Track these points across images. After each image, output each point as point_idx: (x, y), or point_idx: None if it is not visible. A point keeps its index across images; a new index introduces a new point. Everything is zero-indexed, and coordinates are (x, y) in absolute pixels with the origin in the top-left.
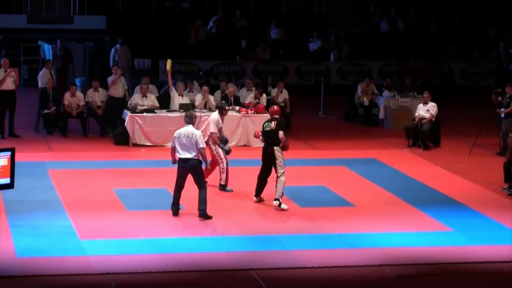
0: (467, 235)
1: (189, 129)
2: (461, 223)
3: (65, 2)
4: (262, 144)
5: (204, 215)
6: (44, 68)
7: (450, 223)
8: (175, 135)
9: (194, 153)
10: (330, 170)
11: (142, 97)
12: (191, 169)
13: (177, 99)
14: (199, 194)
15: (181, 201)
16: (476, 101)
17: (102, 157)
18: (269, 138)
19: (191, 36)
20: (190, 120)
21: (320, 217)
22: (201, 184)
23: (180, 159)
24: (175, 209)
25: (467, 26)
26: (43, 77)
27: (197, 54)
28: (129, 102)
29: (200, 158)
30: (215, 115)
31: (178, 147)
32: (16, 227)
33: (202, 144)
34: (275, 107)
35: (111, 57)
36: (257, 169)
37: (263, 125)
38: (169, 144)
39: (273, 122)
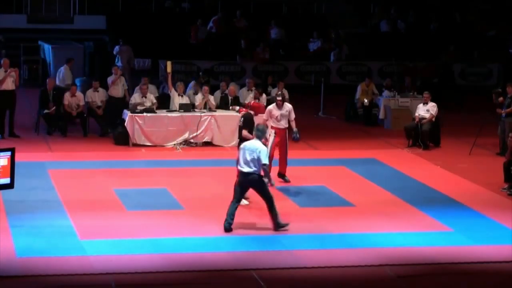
0: (467, 235)
1: (256, 143)
2: (461, 223)
3: (65, 2)
4: None
5: (280, 226)
6: (66, 65)
7: (450, 223)
8: (241, 146)
9: (255, 168)
10: (330, 170)
11: (142, 97)
12: (252, 184)
13: (177, 99)
14: (268, 205)
15: (181, 201)
16: (476, 101)
17: (102, 157)
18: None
19: (191, 36)
20: (262, 134)
21: (320, 217)
22: (268, 197)
23: (241, 172)
24: (228, 224)
25: (467, 26)
26: (67, 76)
27: (197, 54)
28: (130, 102)
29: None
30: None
31: (241, 160)
32: (16, 227)
33: (264, 160)
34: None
35: (116, 56)
36: None
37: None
38: (169, 144)
39: (241, 119)
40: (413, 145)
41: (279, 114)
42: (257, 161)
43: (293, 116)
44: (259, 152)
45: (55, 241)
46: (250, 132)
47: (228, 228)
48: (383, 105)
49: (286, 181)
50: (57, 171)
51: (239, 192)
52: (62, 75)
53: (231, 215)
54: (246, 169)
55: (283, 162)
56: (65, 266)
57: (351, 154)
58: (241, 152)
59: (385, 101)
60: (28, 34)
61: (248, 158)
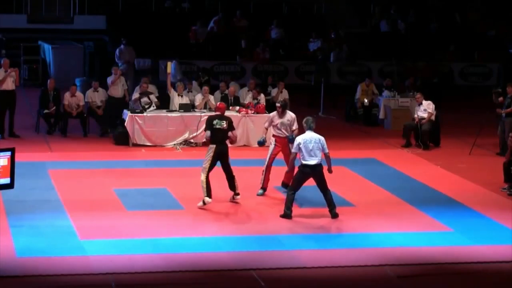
0: (467, 235)
1: (313, 134)
2: (461, 223)
3: (65, 2)
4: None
5: (336, 214)
6: (174, 61)
7: (450, 223)
8: (299, 141)
9: (320, 158)
10: None
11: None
12: (319, 175)
13: (176, 99)
14: (327, 197)
15: (180, 201)
16: (476, 101)
17: (102, 157)
18: (223, 137)
19: (190, 36)
20: (314, 125)
21: (320, 217)
22: (326, 188)
23: (307, 165)
24: (290, 211)
25: (467, 26)
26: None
27: (197, 54)
28: (131, 99)
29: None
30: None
31: (305, 153)
32: (16, 227)
33: (327, 149)
34: (220, 104)
35: (116, 57)
36: (257, 169)
37: (213, 121)
38: (169, 144)
39: (225, 121)
40: (407, 145)
41: (279, 122)
42: (320, 150)
43: (295, 126)
44: (322, 141)
45: (55, 241)
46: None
47: (290, 215)
48: (383, 105)
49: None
50: (57, 171)
51: (301, 183)
52: (173, 70)
53: (291, 203)
54: (312, 161)
55: (289, 171)
56: (65, 266)
57: (351, 154)
58: (303, 146)
59: (385, 101)
60: (28, 34)
61: (313, 149)
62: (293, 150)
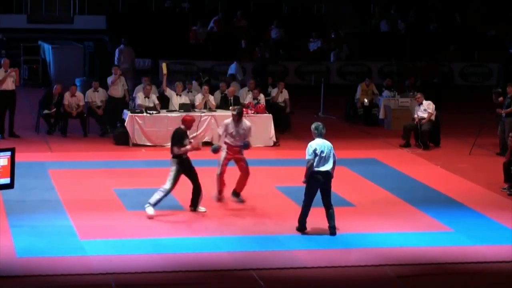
0: (467, 235)
1: (325, 141)
2: (461, 223)
3: (65, 2)
4: (261, 144)
5: (335, 231)
6: (236, 62)
7: (450, 223)
8: (314, 147)
9: (331, 166)
10: None
11: (145, 97)
12: (329, 183)
13: (175, 99)
14: (330, 211)
15: (180, 202)
16: (476, 101)
17: (102, 157)
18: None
19: (190, 36)
20: (322, 131)
21: (320, 217)
22: (331, 201)
23: (319, 172)
24: (304, 227)
25: (467, 26)
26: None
27: (197, 54)
28: (133, 101)
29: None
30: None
31: (318, 160)
32: (16, 227)
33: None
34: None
35: (116, 57)
36: (257, 169)
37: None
38: (169, 144)
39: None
40: (407, 146)
41: (235, 130)
42: (331, 158)
43: (249, 136)
44: (332, 148)
45: (55, 241)
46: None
47: (304, 228)
48: (383, 105)
49: (240, 201)
50: (57, 171)
51: (315, 192)
52: (234, 70)
53: (305, 217)
54: (325, 167)
55: (242, 181)
56: (65, 266)
57: (351, 154)
58: (317, 153)
59: (385, 101)
60: (28, 34)
61: (326, 156)
62: (309, 157)
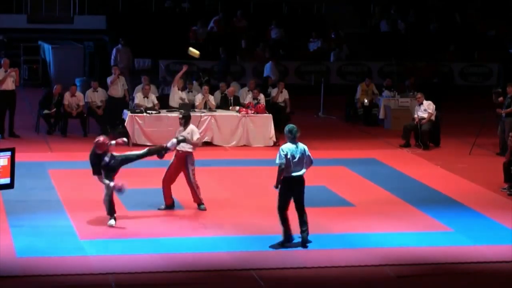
0: (467, 235)
1: (299, 144)
2: (461, 223)
3: (65, 2)
4: (261, 144)
5: (306, 241)
6: (271, 62)
7: (450, 223)
8: (286, 151)
9: (304, 171)
10: (330, 170)
11: (144, 97)
12: (302, 188)
13: (177, 95)
14: (303, 218)
15: (180, 202)
16: (476, 101)
17: None
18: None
19: (190, 36)
20: (295, 134)
21: (320, 217)
22: (304, 207)
23: (293, 178)
24: (291, 238)
25: (467, 26)
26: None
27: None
28: (132, 101)
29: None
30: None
31: (291, 165)
32: (16, 227)
33: (312, 158)
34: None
35: (112, 57)
36: (257, 169)
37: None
38: (169, 144)
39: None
40: (407, 146)
41: (179, 134)
42: (306, 161)
43: (195, 138)
44: (307, 151)
45: (55, 241)
46: (95, 171)
47: (291, 237)
48: (383, 105)
49: (202, 209)
50: (57, 171)
51: (289, 199)
52: (268, 70)
53: (287, 223)
54: (298, 173)
55: (192, 190)
56: (65, 266)
57: (351, 154)
58: (289, 157)
59: (385, 101)
60: (28, 34)
61: (299, 160)
62: (279, 161)
